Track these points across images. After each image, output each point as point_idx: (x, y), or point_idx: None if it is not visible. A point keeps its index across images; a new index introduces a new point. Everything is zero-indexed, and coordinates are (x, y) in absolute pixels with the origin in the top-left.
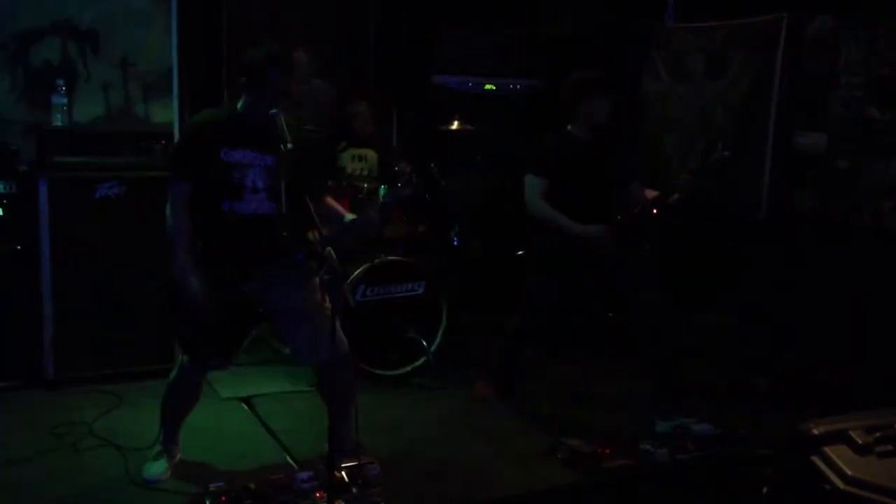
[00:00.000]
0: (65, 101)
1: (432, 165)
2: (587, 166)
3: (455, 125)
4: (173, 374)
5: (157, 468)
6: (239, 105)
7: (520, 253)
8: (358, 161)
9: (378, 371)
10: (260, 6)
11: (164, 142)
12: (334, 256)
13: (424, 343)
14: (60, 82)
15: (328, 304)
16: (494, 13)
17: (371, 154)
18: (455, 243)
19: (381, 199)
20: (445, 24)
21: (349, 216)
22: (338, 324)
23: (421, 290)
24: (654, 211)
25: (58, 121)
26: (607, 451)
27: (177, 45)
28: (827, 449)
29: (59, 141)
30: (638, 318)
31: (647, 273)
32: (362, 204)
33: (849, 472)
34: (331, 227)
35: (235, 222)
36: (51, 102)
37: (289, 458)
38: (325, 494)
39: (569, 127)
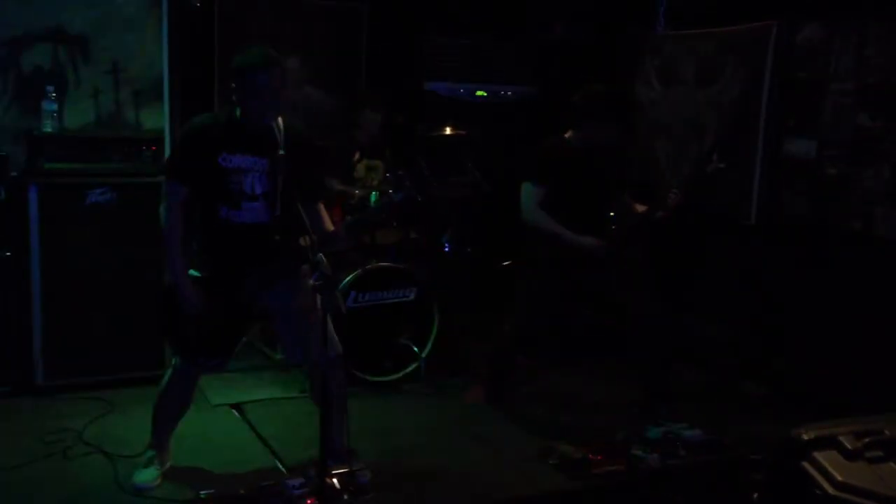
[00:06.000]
0: (55, 107)
1: (423, 165)
2: (583, 175)
3: (447, 131)
4: (165, 378)
5: (148, 475)
6: (237, 110)
7: (505, 263)
8: (371, 171)
9: (370, 377)
10: (252, 13)
11: (154, 148)
12: (326, 262)
13: (416, 349)
14: (51, 88)
15: (319, 308)
16: (486, 20)
17: (380, 164)
18: (446, 249)
19: (371, 205)
20: (437, 31)
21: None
22: (330, 327)
23: (412, 296)
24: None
25: (48, 127)
26: (599, 456)
27: (168, 51)
28: (817, 454)
29: (50, 147)
30: (632, 324)
31: (640, 279)
32: (353, 210)
33: (839, 478)
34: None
35: (232, 230)
36: (41, 108)
37: (280, 465)
38: (317, 501)
39: (566, 134)
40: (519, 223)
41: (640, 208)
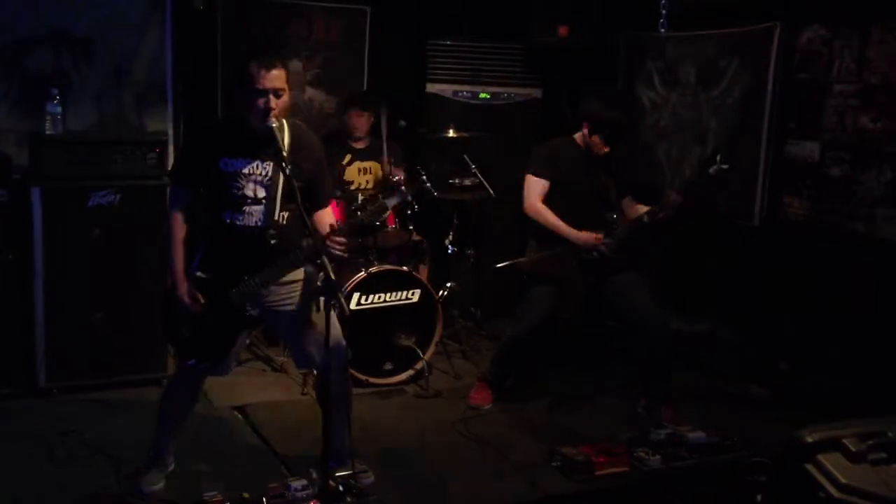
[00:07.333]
0: (59, 109)
1: (422, 175)
2: (586, 174)
3: (449, 133)
4: (169, 380)
5: (151, 478)
6: (239, 113)
7: (498, 266)
8: (364, 174)
9: (373, 379)
10: (255, 15)
11: (158, 150)
12: (329, 264)
13: (419, 351)
14: (54, 91)
15: (322, 312)
16: (488, 22)
17: (375, 166)
18: (449, 251)
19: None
20: (439, 34)
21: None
22: (340, 332)
23: (415, 299)
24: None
25: (51, 129)
26: (601, 458)
27: (171, 54)
28: (821, 457)
29: (53, 149)
30: (633, 326)
31: (641, 280)
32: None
33: (842, 480)
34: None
35: (235, 233)
36: (44, 111)
37: (283, 468)
38: (319, 503)
39: (572, 135)
40: (521, 225)
41: (643, 209)
